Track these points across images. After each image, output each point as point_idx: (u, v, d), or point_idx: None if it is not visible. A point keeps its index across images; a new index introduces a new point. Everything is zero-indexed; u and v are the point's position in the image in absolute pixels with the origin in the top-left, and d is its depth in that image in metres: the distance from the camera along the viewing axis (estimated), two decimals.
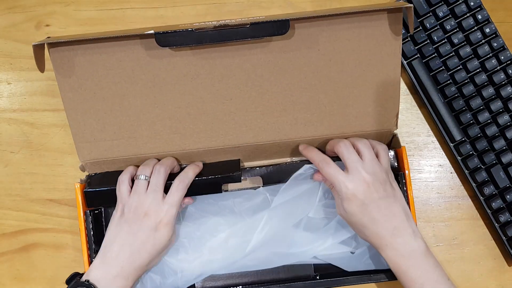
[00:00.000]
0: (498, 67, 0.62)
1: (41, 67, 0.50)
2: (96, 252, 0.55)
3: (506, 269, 0.63)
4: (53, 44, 0.52)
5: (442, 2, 0.62)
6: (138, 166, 0.56)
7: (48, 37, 0.51)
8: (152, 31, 0.49)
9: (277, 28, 0.50)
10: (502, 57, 0.62)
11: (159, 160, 0.57)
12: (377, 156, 0.54)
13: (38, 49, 0.50)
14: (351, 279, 0.57)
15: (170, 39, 0.50)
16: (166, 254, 0.57)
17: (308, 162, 0.58)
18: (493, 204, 0.61)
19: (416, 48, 0.62)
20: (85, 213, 0.57)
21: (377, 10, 0.52)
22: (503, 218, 0.60)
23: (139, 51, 0.53)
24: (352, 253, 0.58)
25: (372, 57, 0.54)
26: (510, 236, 0.61)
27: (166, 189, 0.54)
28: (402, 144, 0.64)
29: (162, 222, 0.52)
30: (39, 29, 0.66)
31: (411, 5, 0.49)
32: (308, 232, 0.58)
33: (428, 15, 0.62)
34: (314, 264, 0.59)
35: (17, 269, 0.64)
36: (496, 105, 0.61)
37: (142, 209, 0.52)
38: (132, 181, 0.55)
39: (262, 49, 0.53)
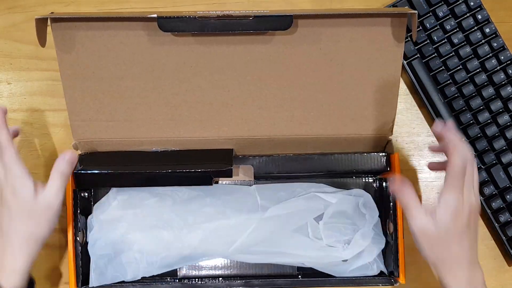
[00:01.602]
0: (498, 67, 0.62)
1: (42, 41, 0.51)
2: (81, 230, 0.57)
3: (506, 269, 0.63)
4: (56, 20, 0.52)
5: (442, 2, 0.62)
6: None
7: (51, 13, 0.51)
8: (155, 15, 0.50)
9: (280, 23, 0.50)
10: (502, 57, 0.62)
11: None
12: None
13: (41, 23, 0.50)
14: (332, 281, 0.57)
15: (172, 24, 0.50)
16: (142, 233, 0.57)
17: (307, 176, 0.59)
18: (493, 204, 0.61)
19: (416, 48, 0.62)
20: (73, 191, 0.57)
21: (381, 14, 0.52)
22: (503, 218, 0.60)
23: (141, 34, 0.53)
24: (344, 261, 0.58)
25: (373, 61, 0.54)
26: (510, 236, 0.61)
27: None
28: (402, 144, 0.64)
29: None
30: None
31: (416, 11, 0.49)
32: (305, 238, 0.58)
33: (428, 15, 0.62)
34: None
35: None
36: (496, 105, 0.61)
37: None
38: None
39: (264, 43, 0.53)
